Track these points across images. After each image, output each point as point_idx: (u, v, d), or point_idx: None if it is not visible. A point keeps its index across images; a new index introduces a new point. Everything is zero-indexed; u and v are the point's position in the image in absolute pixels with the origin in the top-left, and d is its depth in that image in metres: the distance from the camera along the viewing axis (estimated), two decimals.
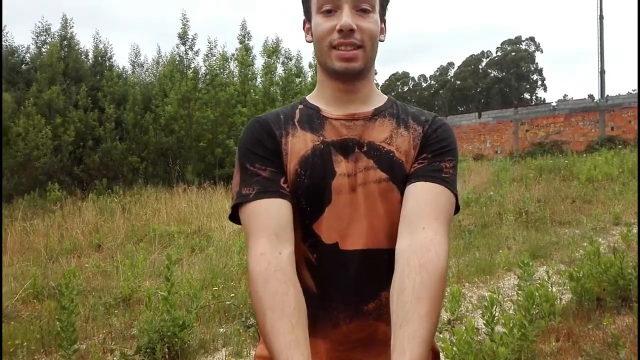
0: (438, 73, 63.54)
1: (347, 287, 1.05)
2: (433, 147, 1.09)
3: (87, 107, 14.51)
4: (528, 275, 4.09)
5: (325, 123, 1.10)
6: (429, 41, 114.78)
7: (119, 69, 17.94)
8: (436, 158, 1.07)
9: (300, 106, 1.15)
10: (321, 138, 1.08)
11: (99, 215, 9.14)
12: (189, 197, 10.94)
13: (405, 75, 65.54)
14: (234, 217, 1.07)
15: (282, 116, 1.12)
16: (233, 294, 4.68)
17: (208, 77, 16.06)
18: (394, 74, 65.33)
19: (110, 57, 17.44)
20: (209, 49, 16.46)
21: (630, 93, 18.37)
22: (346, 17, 1.01)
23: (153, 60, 20.16)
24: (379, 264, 1.06)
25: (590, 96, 24.40)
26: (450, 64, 63.33)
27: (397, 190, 1.06)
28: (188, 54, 15.90)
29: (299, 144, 1.08)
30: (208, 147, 15.08)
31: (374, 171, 1.06)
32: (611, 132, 17.46)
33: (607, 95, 25.20)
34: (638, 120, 13.64)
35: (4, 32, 15.58)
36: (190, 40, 15.69)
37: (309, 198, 1.05)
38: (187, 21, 15.38)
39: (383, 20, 1.11)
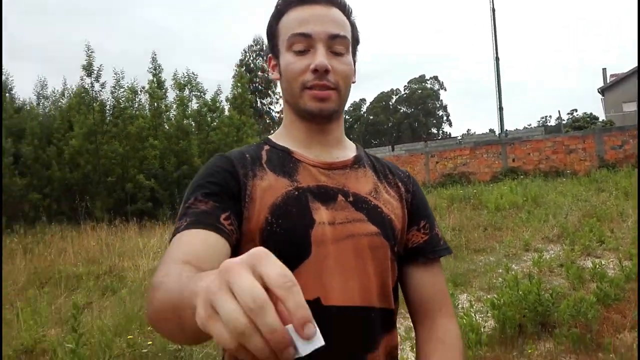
0: (352, 109, 65.81)
1: (330, 352, 0.89)
2: (424, 212, 1.08)
3: None
4: (454, 307, 4.16)
5: (299, 166, 0.99)
6: None
7: (20, 100, 16.78)
8: (433, 225, 1.07)
9: (266, 147, 1.05)
10: (295, 184, 0.96)
11: None
12: (98, 235, 10.21)
13: None
14: None
15: (247, 155, 1.00)
16: (150, 342, 4.32)
17: (116, 109, 15.39)
18: None
19: (11, 89, 16.29)
20: (115, 81, 15.84)
21: (526, 128, 20.11)
22: (322, 57, 0.95)
23: (57, 92, 19.04)
24: (370, 324, 0.95)
25: (491, 130, 26.20)
26: (363, 100, 65.94)
27: (388, 248, 0.98)
28: (94, 86, 15.21)
29: (269, 189, 0.95)
30: (118, 182, 14.25)
31: (364, 224, 0.96)
32: (513, 164, 18.74)
33: (506, 130, 27.24)
34: (638, 132, 14.61)
35: None
36: (96, 72, 15.02)
37: (284, 250, 0.88)
38: (91, 52, 14.73)
39: (354, 62, 1.05)
